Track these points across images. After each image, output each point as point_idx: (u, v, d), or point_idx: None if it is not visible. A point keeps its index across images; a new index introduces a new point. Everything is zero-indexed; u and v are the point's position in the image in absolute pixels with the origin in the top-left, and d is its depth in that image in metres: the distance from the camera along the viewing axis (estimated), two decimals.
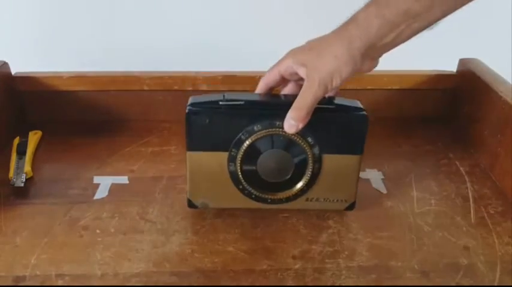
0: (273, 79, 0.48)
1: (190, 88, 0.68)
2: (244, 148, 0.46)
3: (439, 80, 0.71)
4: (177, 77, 0.68)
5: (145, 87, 0.68)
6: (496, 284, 0.43)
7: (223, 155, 0.47)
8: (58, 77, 0.67)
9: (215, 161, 0.47)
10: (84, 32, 0.79)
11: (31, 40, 0.79)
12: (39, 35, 0.79)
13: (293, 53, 0.47)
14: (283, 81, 0.49)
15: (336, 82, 0.43)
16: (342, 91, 0.70)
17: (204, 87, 0.68)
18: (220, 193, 0.49)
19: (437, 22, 0.42)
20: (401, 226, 0.50)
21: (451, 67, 0.71)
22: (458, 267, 0.45)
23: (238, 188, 0.49)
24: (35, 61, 0.72)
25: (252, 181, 0.48)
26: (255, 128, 0.46)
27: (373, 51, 0.43)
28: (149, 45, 0.80)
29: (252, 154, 0.47)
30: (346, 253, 0.47)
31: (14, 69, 0.67)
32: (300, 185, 0.48)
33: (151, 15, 0.78)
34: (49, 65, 0.70)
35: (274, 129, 0.46)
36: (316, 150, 0.47)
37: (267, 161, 0.47)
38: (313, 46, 0.45)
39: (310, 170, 0.48)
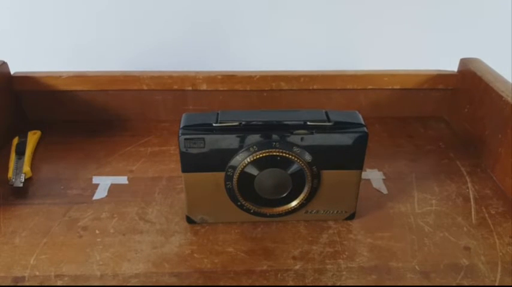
0: None
1: (190, 88, 0.68)
2: (240, 168, 0.45)
3: (440, 79, 0.70)
4: (176, 77, 0.67)
5: (145, 87, 0.68)
6: (497, 285, 0.43)
7: (220, 175, 0.46)
8: (57, 76, 0.67)
9: (212, 180, 0.47)
10: (84, 32, 0.79)
11: (30, 40, 0.79)
12: (38, 35, 0.78)
13: None
14: None
15: None
16: (342, 91, 0.70)
17: (203, 87, 0.68)
18: (219, 209, 0.49)
19: None
20: (402, 227, 0.50)
21: (452, 67, 0.71)
22: (459, 268, 0.45)
23: (237, 205, 0.48)
24: (34, 61, 0.72)
25: (250, 198, 0.47)
26: (251, 149, 0.45)
27: None
28: (149, 45, 0.80)
29: (249, 172, 0.46)
30: (347, 253, 0.47)
31: (13, 69, 0.67)
32: (298, 200, 0.48)
33: (151, 15, 0.78)
34: (48, 64, 0.70)
35: (271, 150, 0.44)
36: (314, 168, 0.46)
37: (264, 179, 0.46)
38: None
39: (309, 186, 0.47)
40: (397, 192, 0.56)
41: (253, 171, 0.46)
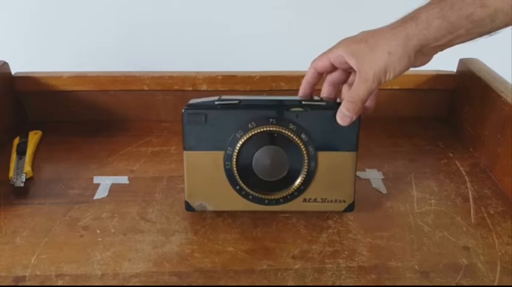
0: (321, 65, 0.48)
1: (190, 88, 0.68)
2: (239, 145, 0.47)
3: (439, 80, 0.70)
4: (177, 77, 0.68)
5: (145, 87, 0.68)
6: (496, 285, 0.43)
7: (220, 155, 0.48)
8: (58, 77, 0.67)
9: (212, 160, 0.48)
10: (85, 32, 0.79)
11: (31, 40, 0.79)
12: (39, 35, 0.79)
13: (345, 42, 0.46)
14: (333, 68, 0.49)
15: (389, 76, 0.44)
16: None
17: (204, 87, 0.68)
18: (218, 194, 0.49)
19: (498, 31, 0.42)
20: (401, 226, 0.50)
21: (451, 67, 0.71)
22: (458, 267, 0.45)
23: (235, 189, 0.49)
24: (34, 61, 0.72)
25: (249, 180, 0.48)
26: (250, 125, 0.47)
27: (428, 49, 0.44)
28: (149, 45, 0.80)
29: (247, 152, 0.47)
30: (346, 253, 0.47)
31: (14, 69, 0.67)
32: (296, 183, 0.48)
33: (151, 15, 0.78)
34: (49, 65, 0.70)
35: (268, 126, 0.46)
36: (310, 147, 0.47)
37: (262, 158, 0.48)
38: (367, 38, 0.45)
39: (306, 167, 0.48)
40: (396, 192, 0.56)
41: (251, 149, 0.47)
